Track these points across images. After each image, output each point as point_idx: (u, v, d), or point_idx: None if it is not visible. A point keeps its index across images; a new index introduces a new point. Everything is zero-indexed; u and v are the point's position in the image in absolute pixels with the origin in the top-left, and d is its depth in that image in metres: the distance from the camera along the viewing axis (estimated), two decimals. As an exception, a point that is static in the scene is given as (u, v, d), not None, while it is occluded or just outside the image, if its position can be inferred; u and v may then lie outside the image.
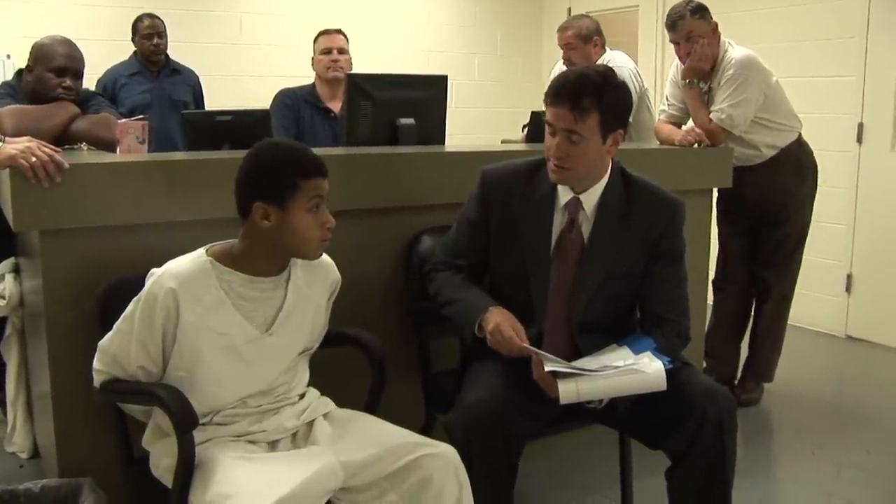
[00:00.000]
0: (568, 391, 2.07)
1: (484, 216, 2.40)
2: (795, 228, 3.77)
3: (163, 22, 4.82)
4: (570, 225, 2.32)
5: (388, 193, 2.79)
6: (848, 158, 4.96)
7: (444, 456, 1.96)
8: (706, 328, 3.89)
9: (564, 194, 2.32)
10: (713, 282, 3.97)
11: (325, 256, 2.14)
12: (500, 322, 2.20)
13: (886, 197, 4.83)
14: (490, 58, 6.95)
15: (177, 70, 4.93)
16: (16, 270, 2.75)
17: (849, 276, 5.04)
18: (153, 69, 4.82)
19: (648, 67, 5.89)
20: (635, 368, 2.09)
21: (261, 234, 1.96)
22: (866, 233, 4.95)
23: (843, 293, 5.06)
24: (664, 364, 2.09)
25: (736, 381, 3.96)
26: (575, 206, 2.31)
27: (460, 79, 6.60)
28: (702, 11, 3.55)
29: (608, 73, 2.24)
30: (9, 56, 4.93)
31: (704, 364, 3.92)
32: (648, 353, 2.15)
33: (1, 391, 3.17)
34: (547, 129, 2.24)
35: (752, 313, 3.96)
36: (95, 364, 2.03)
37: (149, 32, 4.76)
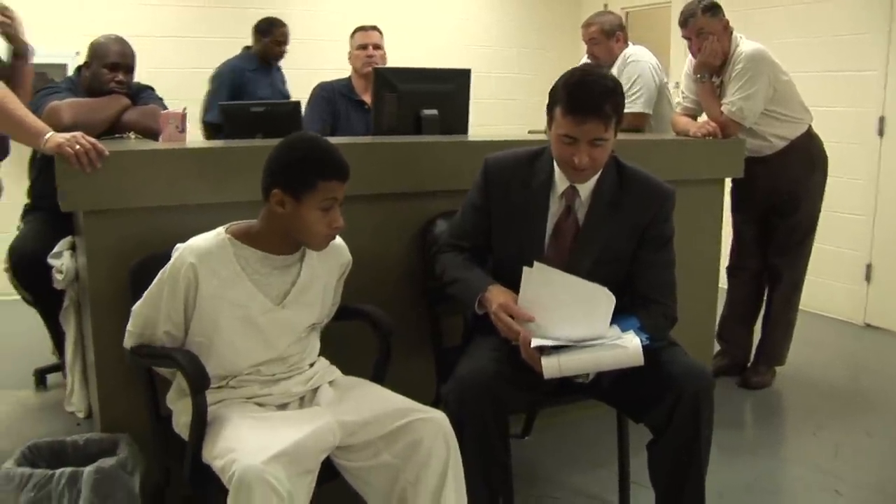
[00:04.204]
0: (550, 366, 2.19)
1: (486, 202, 2.54)
2: (806, 217, 3.86)
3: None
4: (567, 212, 2.46)
5: (409, 179, 2.96)
6: (869, 151, 5.02)
7: (434, 421, 2.11)
8: (720, 314, 4.02)
9: (562, 182, 2.46)
10: (727, 269, 4.10)
11: (338, 240, 2.30)
12: (502, 304, 2.32)
13: (906, 189, 4.88)
14: (529, 52, 7.11)
15: (278, 67, 5.39)
16: (73, 248, 2.95)
17: (868, 266, 5.11)
18: (267, 66, 5.25)
19: (680, 62, 5.94)
20: (615, 344, 2.21)
21: (275, 217, 2.13)
22: (886, 223, 5.01)
23: (863, 282, 5.13)
24: (642, 341, 2.20)
25: (748, 365, 4.07)
26: (571, 194, 2.45)
27: (500, 72, 6.80)
28: (713, 9, 3.66)
29: (609, 75, 2.39)
30: (77, 53, 5.23)
31: (718, 347, 4.07)
32: (631, 331, 2.26)
33: (61, 357, 3.45)
34: (564, 140, 2.31)
35: (765, 299, 4.06)
36: (128, 327, 2.23)
37: (282, 39, 5.26)
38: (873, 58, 4.96)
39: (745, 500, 2.93)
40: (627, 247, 2.47)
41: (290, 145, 2.16)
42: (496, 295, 2.38)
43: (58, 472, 2.24)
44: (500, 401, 2.26)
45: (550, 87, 2.39)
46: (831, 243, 5.02)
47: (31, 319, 3.62)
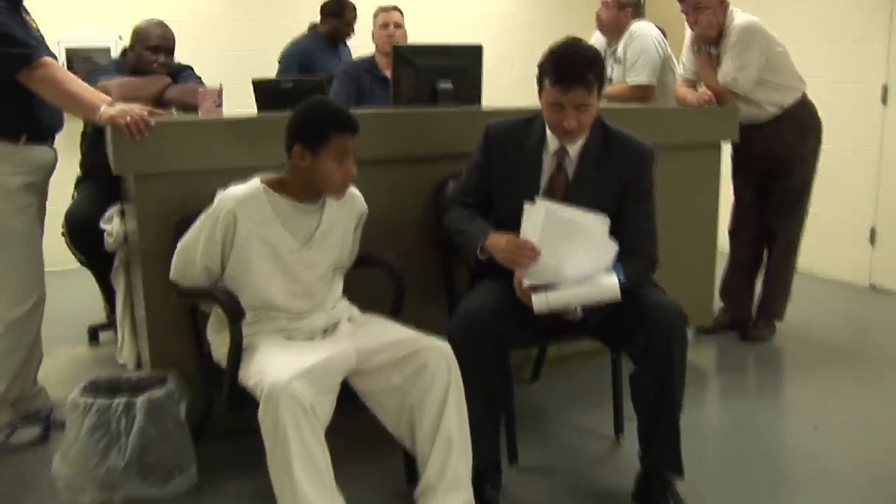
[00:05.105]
0: (539, 301, 2.49)
1: (487, 162, 2.83)
2: (799, 181, 4.07)
3: None
4: (558, 169, 2.75)
5: (425, 145, 3.27)
6: (873, 118, 5.17)
7: (438, 349, 2.41)
8: (723, 273, 4.28)
9: (553, 144, 2.74)
10: (729, 231, 4.33)
11: (354, 190, 2.62)
12: (510, 240, 2.58)
13: (909, 154, 5.04)
14: (553, 30, 7.27)
15: (344, 44, 5.58)
16: (121, 214, 3.28)
17: (872, 230, 5.27)
18: (334, 46, 5.44)
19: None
20: (596, 281, 2.52)
21: (297, 171, 2.46)
22: (890, 189, 5.17)
23: (867, 245, 5.29)
24: (620, 280, 2.49)
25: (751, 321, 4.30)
26: (562, 153, 2.74)
27: (523, 50, 7.03)
28: (709, -15, 3.88)
29: (590, 47, 2.70)
30: (120, 37, 5.56)
31: (722, 304, 4.33)
32: (614, 272, 2.54)
33: (112, 314, 3.82)
34: (553, 107, 2.59)
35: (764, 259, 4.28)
36: (174, 259, 2.57)
37: (352, 21, 5.35)
38: (877, 28, 5.12)
39: (727, 436, 3.19)
40: (612, 200, 2.72)
41: (306, 107, 2.49)
42: (498, 237, 2.65)
43: (115, 401, 2.57)
44: (497, 334, 2.53)
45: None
46: (837, 209, 5.22)
47: (85, 286, 3.98)
